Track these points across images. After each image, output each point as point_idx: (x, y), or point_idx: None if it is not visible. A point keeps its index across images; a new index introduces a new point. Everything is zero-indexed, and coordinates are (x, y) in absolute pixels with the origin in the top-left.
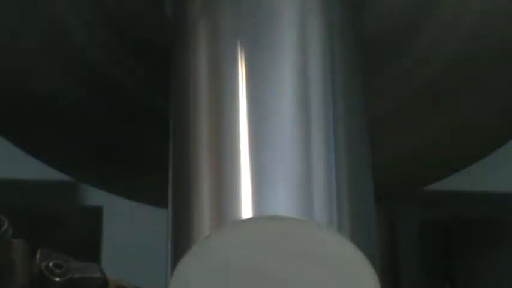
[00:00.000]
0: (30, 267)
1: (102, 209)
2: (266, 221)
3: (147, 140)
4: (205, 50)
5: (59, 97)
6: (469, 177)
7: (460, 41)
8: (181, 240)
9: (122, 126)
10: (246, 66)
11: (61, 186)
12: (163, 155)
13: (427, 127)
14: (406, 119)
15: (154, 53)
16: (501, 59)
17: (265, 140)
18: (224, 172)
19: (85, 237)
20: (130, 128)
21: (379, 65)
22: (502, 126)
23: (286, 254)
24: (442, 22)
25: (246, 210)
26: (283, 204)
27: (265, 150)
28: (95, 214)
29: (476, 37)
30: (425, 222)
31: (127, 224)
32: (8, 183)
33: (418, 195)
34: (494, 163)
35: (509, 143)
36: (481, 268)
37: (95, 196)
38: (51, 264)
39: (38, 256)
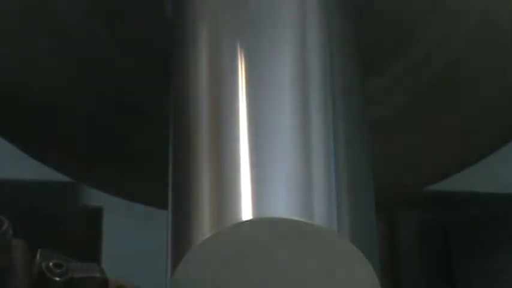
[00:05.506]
0: (31, 267)
1: (102, 210)
2: (266, 222)
3: (146, 141)
4: (205, 49)
5: (59, 98)
6: (469, 177)
7: (460, 41)
8: (181, 240)
9: (121, 127)
10: (245, 66)
11: (61, 187)
12: (163, 156)
13: (428, 127)
14: (407, 119)
15: (154, 54)
16: (501, 59)
17: (265, 140)
18: (224, 173)
19: (85, 238)
20: (129, 129)
21: (380, 66)
22: (502, 126)
23: (286, 255)
24: (443, 22)
25: (246, 211)
26: (283, 205)
27: (265, 150)
28: (95, 214)
29: (477, 37)
30: (425, 222)
31: (127, 224)
32: (8, 183)
33: (418, 196)
34: (494, 163)
35: (509, 143)
36: (481, 268)
37: (95, 196)
38: (51, 264)
39: (38, 256)
